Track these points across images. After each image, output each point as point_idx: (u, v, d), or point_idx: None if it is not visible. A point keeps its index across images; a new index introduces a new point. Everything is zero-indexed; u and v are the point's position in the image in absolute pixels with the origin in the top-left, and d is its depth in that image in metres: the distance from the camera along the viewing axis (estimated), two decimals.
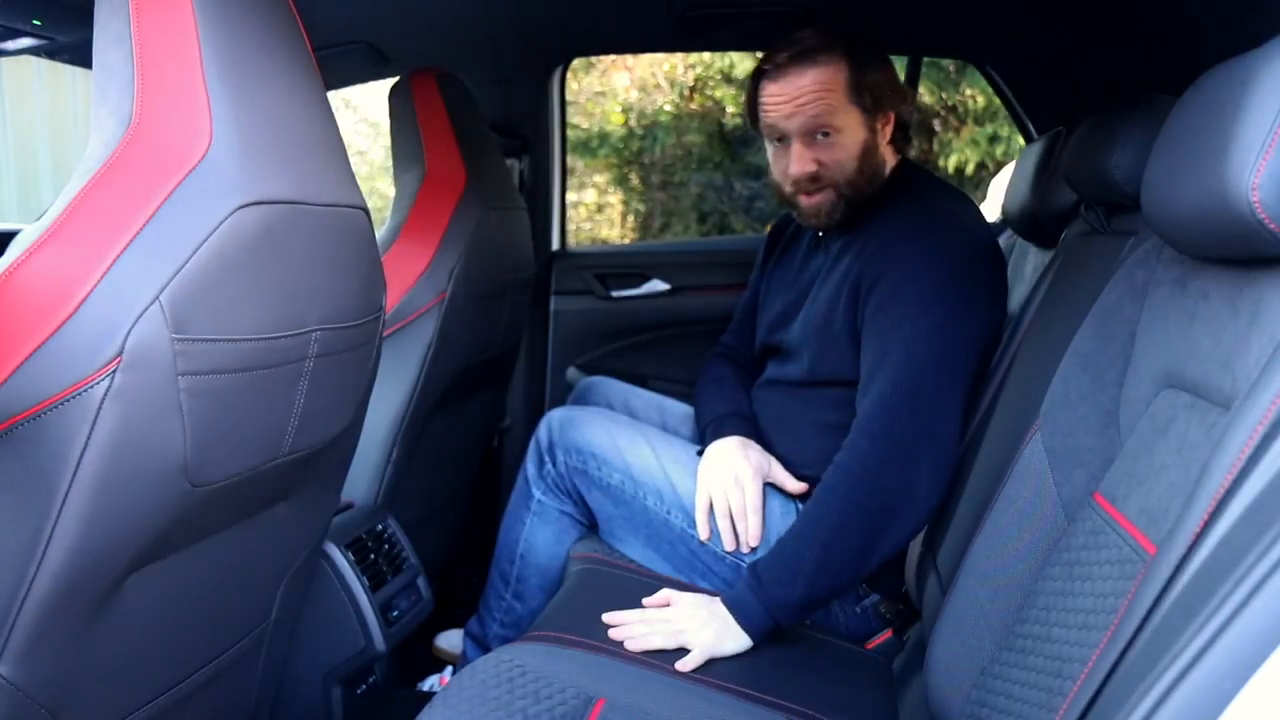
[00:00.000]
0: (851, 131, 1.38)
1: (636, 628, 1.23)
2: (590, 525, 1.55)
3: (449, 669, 1.72)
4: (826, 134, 1.38)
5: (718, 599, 1.28)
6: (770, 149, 1.45)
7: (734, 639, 1.24)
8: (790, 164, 1.40)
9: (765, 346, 1.60)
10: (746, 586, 1.27)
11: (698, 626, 1.23)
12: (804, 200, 1.43)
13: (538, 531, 1.53)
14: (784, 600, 1.25)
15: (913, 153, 1.53)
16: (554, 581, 1.53)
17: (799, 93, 1.36)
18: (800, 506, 1.41)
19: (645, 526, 1.45)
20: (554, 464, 1.53)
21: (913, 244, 1.33)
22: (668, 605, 1.28)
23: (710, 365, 1.69)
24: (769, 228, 1.75)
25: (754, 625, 1.25)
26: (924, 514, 1.28)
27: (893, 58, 1.52)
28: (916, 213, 1.37)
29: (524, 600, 1.55)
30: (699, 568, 1.44)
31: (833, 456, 1.32)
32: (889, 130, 1.42)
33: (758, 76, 1.42)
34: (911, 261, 1.32)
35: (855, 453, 1.29)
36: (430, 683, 1.69)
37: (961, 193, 1.49)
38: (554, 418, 1.56)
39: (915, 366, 1.29)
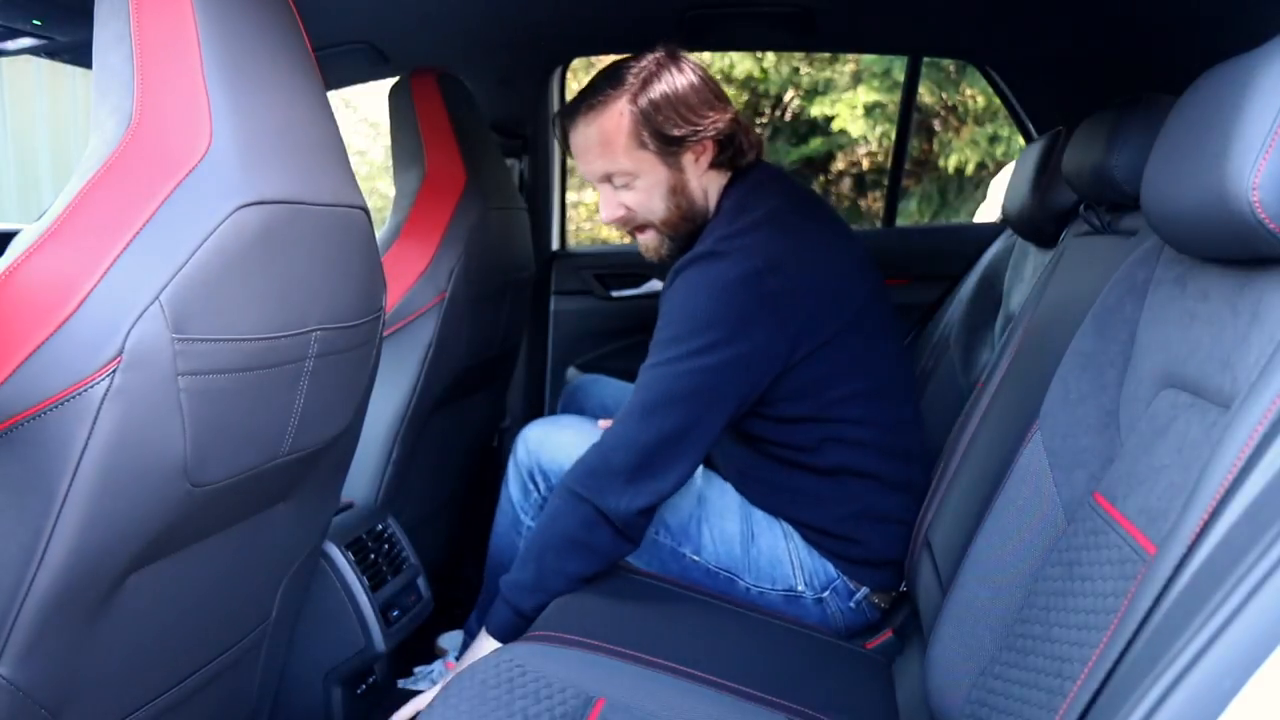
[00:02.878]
0: (649, 174, 1.38)
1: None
2: None
3: (451, 654, 1.71)
4: (624, 182, 1.39)
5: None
6: None
7: (480, 647, 1.33)
8: (601, 210, 1.43)
9: None
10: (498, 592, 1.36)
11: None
12: (636, 237, 1.47)
13: None
14: (516, 583, 1.33)
15: (914, 153, 1.52)
16: None
17: (585, 145, 1.39)
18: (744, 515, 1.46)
19: None
20: (538, 489, 1.53)
21: (686, 278, 1.33)
22: None
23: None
24: None
25: (496, 619, 1.34)
26: (623, 524, 1.30)
27: (892, 58, 1.51)
28: (706, 246, 1.34)
29: None
30: (689, 583, 1.44)
31: (737, 462, 1.42)
32: (704, 159, 1.39)
33: (563, 127, 1.43)
34: (678, 297, 1.33)
35: (583, 459, 1.33)
36: (436, 668, 1.69)
37: (791, 207, 1.40)
38: (529, 437, 1.54)
39: (642, 395, 1.31)
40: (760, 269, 1.29)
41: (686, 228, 1.42)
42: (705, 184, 1.41)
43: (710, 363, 1.28)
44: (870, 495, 1.40)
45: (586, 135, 1.38)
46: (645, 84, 1.35)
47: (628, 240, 1.64)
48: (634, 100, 1.35)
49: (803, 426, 1.38)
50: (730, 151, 1.41)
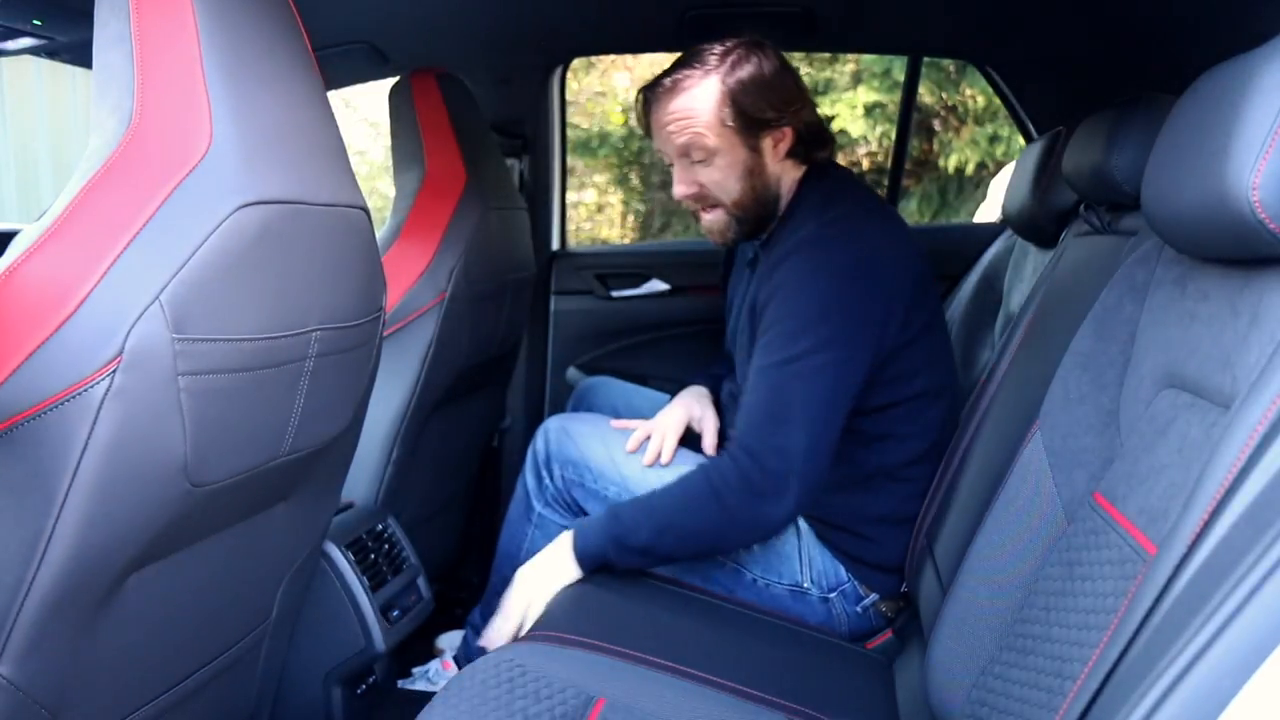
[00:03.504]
0: (729, 153, 1.38)
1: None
2: None
3: (448, 654, 1.72)
4: (703, 158, 1.39)
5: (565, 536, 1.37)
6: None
7: (557, 573, 1.33)
8: (674, 185, 1.44)
9: (729, 357, 1.63)
10: (600, 518, 1.35)
11: (521, 583, 1.34)
12: (701, 217, 1.47)
13: (539, 543, 1.53)
14: (625, 541, 1.32)
15: (914, 153, 1.53)
16: None
17: (669, 119, 1.39)
18: None
19: None
20: (551, 478, 1.53)
21: (796, 264, 1.33)
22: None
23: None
24: None
25: (589, 551, 1.33)
26: (772, 532, 1.33)
27: (893, 58, 1.52)
28: (809, 232, 1.35)
29: None
30: (699, 573, 1.44)
31: None
32: (783, 146, 1.40)
33: (646, 101, 1.43)
34: (791, 284, 1.33)
35: (735, 463, 1.31)
36: (433, 667, 1.69)
37: (873, 204, 1.46)
38: (550, 428, 1.55)
39: (783, 396, 1.30)
40: (867, 254, 1.32)
41: (756, 211, 1.43)
42: (780, 171, 1.43)
43: (839, 356, 1.30)
44: (897, 500, 1.41)
45: (671, 110, 1.38)
46: (734, 65, 1.36)
47: (629, 240, 1.65)
48: (723, 79, 1.36)
49: (873, 419, 1.38)
50: (808, 143, 1.43)
